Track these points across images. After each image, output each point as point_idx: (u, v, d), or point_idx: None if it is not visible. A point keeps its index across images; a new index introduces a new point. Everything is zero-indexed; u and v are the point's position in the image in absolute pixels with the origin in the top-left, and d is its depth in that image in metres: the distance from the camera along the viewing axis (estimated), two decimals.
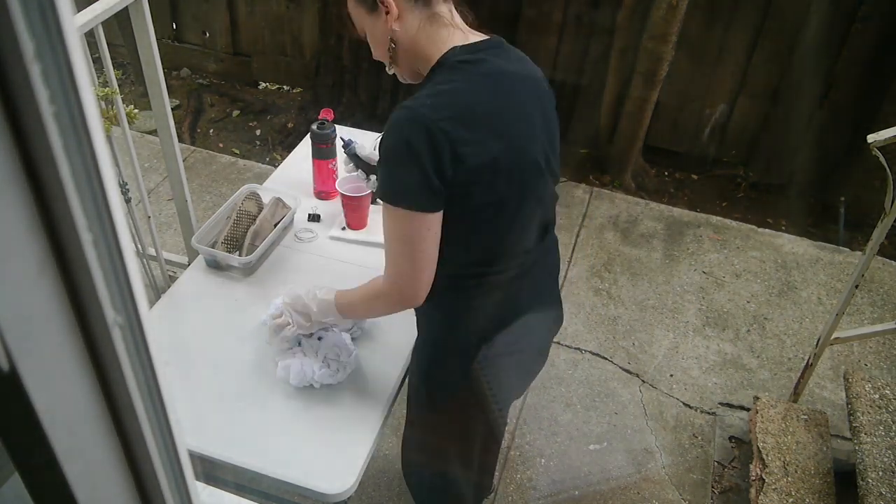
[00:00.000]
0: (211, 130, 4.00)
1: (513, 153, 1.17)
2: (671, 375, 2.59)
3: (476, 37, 1.22)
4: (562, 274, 2.95)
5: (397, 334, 1.60)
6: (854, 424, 1.97)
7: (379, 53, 1.27)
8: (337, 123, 2.36)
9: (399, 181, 1.13)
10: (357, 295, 1.36)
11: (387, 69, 1.28)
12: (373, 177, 1.62)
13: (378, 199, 1.20)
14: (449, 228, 1.18)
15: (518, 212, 1.23)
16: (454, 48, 1.18)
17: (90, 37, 1.73)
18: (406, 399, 1.58)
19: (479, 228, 1.21)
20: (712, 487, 2.25)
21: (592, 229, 3.22)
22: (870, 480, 1.81)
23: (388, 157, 1.13)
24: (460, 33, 1.21)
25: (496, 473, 2.16)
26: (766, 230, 3.31)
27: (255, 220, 1.76)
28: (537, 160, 1.23)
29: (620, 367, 2.60)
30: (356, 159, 1.66)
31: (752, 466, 2.09)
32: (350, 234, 1.84)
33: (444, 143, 1.08)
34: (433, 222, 1.15)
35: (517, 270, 1.30)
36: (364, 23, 1.23)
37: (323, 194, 1.95)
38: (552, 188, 1.32)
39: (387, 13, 1.18)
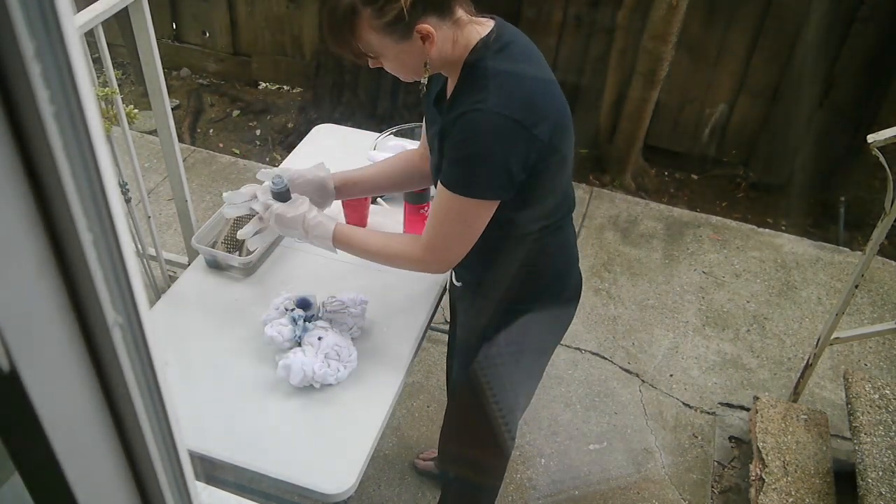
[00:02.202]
0: (211, 130, 4.00)
1: (563, 111, 1.25)
2: (671, 375, 2.59)
3: (486, 24, 1.26)
4: None
5: (397, 334, 1.60)
6: (854, 424, 1.97)
7: (409, 75, 1.28)
8: (337, 123, 2.37)
9: (481, 177, 1.19)
10: (375, 240, 1.38)
11: (421, 87, 1.31)
12: (274, 204, 1.46)
13: (445, 185, 1.23)
14: (527, 193, 1.24)
15: (570, 161, 1.33)
16: (480, 42, 1.22)
17: (90, 37, 1.73)
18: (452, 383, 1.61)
19: (553, 187, 1.30)
20: (712, 487, 2.25)
21: (592, 229, 3.22)
22: (870, 480, 1.81)
23: (472, 157, 1.18)
24: (477, 25, 1.24)
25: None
26: (766, 230, 3.31)
27: None
28: (569, 114, 1.30)
29: (620, 367, 2.60)
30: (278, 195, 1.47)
31: (751, 466, 2.09)
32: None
33: (524, 134, 1.15)
34: (493, 208, 1.23)
35: (569, 229, 1.44)
36: (389, 52, 1.22)
37: None
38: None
39: (423, 40, 1.18)
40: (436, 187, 1.34)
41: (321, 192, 1.54)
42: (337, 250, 1.41)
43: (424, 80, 1.27)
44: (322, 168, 1.56)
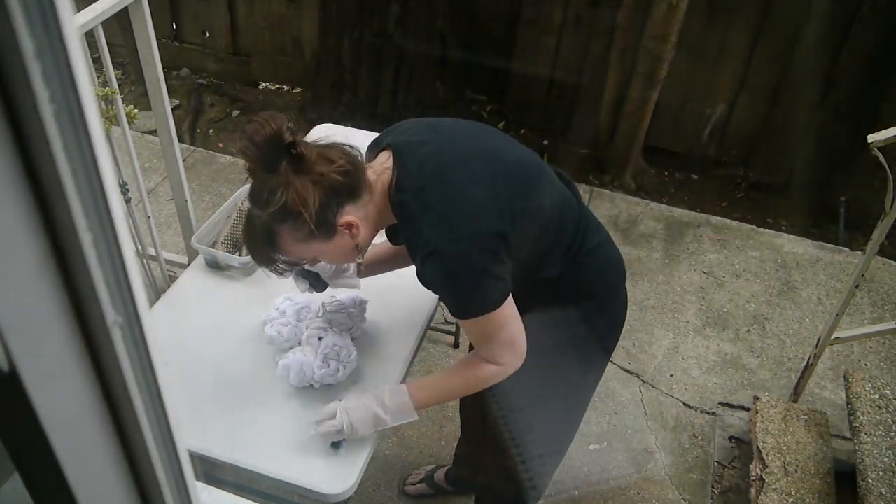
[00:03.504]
0: (211, 130, 4.00)
1: (507, 184, 1.21)
2: (671, 375, 2.59)
3: (382, 160, 1.25)
4: None
5: (397, 334, 1.60)
6: (854, 424, 1.97)
7: (346, 260, 1.29)
8: (337, 123, 2.37)
9: (481, 295, 1.18)
10: (450, 381, 1.35)
11: (360, 265, 1.32)
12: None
13: (461, 318, 1.24)
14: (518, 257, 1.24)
15: (557, 223, 1.31)
16: (388, 187, 1.21)
17: (90, 37, 1.73)
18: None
19: (539, 242, 1.28)
20: (712, 487, 2.25)
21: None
22: (870, 480, 1.81)
23: (458, 287, 1.19)
24: (381, 175, 1.23)
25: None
26: (766, 230, 3.31)
27: None
28: (527, 171, 1.27)
29: (620, 367, 2.60)
30: (301, 270, 1.46)
31: (752, 466, 2.09)
32: None
33: (488, 238, 1.15)
34: (511, 304, 1.22)
35: (597, 243, 1.39)
36: (321, 251, 1.22)
37: None
38: (550, 176, 1.35)
39: (350, 230, 1.18)
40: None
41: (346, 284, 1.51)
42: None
43: (361, 259, 1.27)
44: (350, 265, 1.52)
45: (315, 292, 1.48)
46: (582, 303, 1.41)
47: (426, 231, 1.15)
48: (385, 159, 1.24)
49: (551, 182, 1.32)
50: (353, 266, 1.47)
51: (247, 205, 1.77)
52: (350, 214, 1.17)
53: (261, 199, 1.14)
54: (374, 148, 1.31)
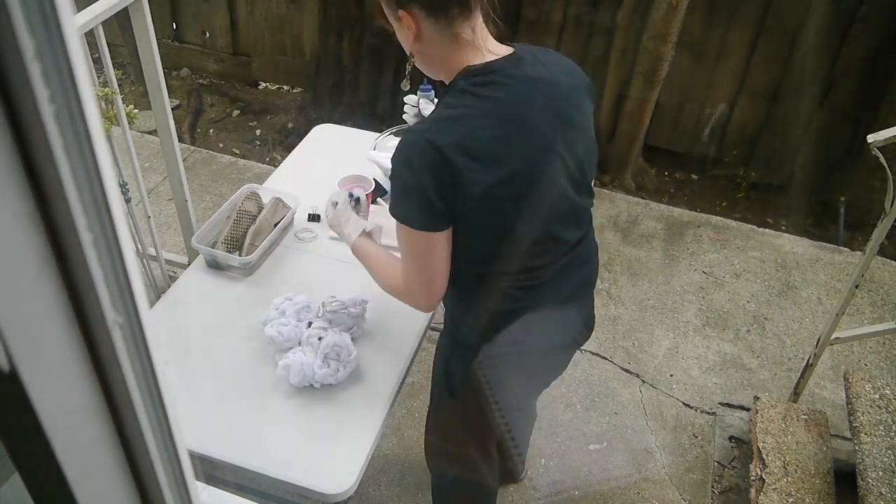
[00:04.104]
0: (211, 130, 4.00)
1: (520, 177, 1.17)
2: (671, 375, 2.59)
3: (495, 53, 1.20)
4: None
5: (397, 334, 1.60)
6: (854, 424, 1.97)
7: (406, 47, 1.27)
8: (337, 123, 2.37)
9: (406, 201, 1.17)
10: (380, 262, 1.39)
11: (403, 76, 1.31)
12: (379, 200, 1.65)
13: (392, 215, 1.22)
14: (456, 240, 1.22)
15: (528, 233, 1.23)
16: (467, 68, 1.18)
17: (90, 37, 1.73)
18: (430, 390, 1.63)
19: (484, 246, 1.24)
20: (712, 487, 2.25)
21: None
22: (870, 480, 1.81)
23: (396, 178, 1.19)
24: (479, 52, 1.18)
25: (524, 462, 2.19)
26: (766, 230, 3.31)
27: (255, 220, 1.76)
28: (554, 178, 1.22)
29: (620, 367, 2.60)
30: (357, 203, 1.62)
31: (752, 466, 2.09)
32: None
33: (445, 169, 1.12)
34: (439, 239, 1.19)
35: (529, 282, 1.30)
36: (393, 25, 1.24)
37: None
38: (581, 200, 1.30)
39: (408, 27, 1.17)
40: None
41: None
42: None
43: (409, 67, 1.26)
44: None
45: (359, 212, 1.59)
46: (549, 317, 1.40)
47: (427, 119, 1.18)
48: (500, 52, 1.21)
49: (566, 200, 1.28)
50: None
51: (247, 205, 1.77)
52: (413, 18, 1.16)
53: None
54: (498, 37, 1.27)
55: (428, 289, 1.25)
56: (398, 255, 1.31)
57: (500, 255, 1.25)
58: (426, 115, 1.55)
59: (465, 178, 1.12)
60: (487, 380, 1.41)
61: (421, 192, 1.13)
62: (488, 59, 1.18)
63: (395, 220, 1.21)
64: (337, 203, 1.55)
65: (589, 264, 1.43)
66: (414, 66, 1.26)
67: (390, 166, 1.20)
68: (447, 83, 1.22)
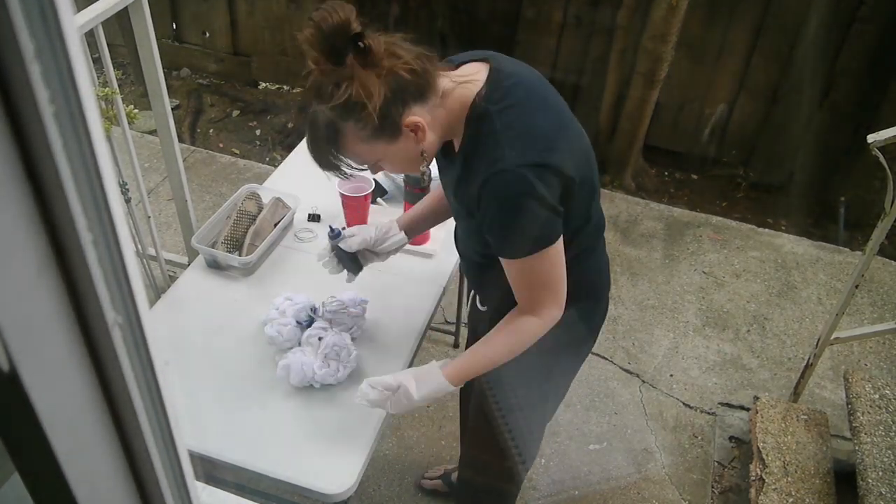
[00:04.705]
0: (211, 130, 4.00)
1: (580, 140, 1.23)
2: (671, 375, 2.59)
3: (473, 71, 1.20)
4: None
5: (397, 334, 1.60)
6: (854, 424, 1.97)
7: (407, 169, 1.25)
8: None
9: (534, 233, 1.16)
10: (493, 350, 1.32)
11: (422, 177, 1.26)
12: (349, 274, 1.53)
13: (511, 258, 1.21)
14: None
15: (598, 187, 1.31)
16: (477, 98, 1.17)
17: (90, 37, 1.73)
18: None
19: (583, 215, 1.28)
20: (712, 487, 2.25)
21: None
22: (870, 480, 1.81)
23: (515, 217, 1.15)
24: (465, 83, 1.18)
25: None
26: (766, 230, 3.31)
27: (255, 220, 1.76)
28: (587, 138, 1.28)
29: (620, 367, 2.60)
30: (339, 252, 1.51)
31: (752, 466, 2.09)
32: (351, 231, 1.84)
33: (554, 176, 1.13)
34: (560, 243, 1.21)
35: (601, 239, 1.42)
36: (384, 155, 1.19)
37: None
38: None
39: (414, 132, 1.15)
40: (461, 250, 1.39)
41: (395, 245, 1.52)
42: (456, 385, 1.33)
43: (425, 168, 1.23)
44: (388, 224, 1.52)
45: (349, 276, 1.52)
46: (580, 303, 1.41)
47: (504, 148, 1.12)
48: (476, 70, 1.20)
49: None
50: (395, 227, 1.50)
51: (247, 205, 1.77)
52: (416, 115, 1.13)
53: (325, 93, 1.09)
54: (455, 61, 1.26)
55: (561, 296, 1.25)
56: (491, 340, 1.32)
57: (592, 227, 1.33)
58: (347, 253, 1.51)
59: (567, 172, 1.14)
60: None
61: (547, 209, 1.14)
62: (477, 82, 1.18)
63: (506, 259, 1.20)
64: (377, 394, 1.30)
65: None
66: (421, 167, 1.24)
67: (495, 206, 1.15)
68: (463, 132, 1.20)
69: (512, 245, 1.19)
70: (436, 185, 1.51)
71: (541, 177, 1.11)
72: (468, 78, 1.19)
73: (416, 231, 1.55)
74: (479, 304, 1.53)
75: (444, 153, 1.30)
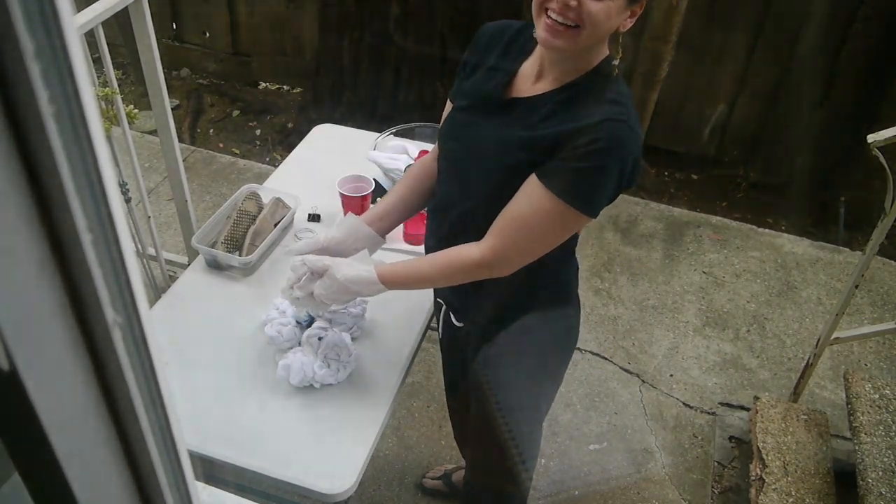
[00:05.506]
0: (211, 130, 4.00)
1: None
2: (671, 375, 2.59)
3: None
4: None
5: (397, 334, 1.60)
6: (854, 424, 1.97)
7: (594, 38, 1.14)
8: (337, 123, 2.37)
9: (602, 193, 1.15)
10: (428, 264, 1.29)
11: (617, 54, 1.22)
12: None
13: (559, 195, 1.14)
14: None
15: None
16: (609, 58, 1.20)
17: (90, 37, 1.73)
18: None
19: None
20: (712, 487, 2.25)
21: (592, 229, 3.22)
22: (870, 480, 1.81)
23: (604, 168, 1.12)
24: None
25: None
26: (766, 230, 3.31)
27: (255, 220, 1.76)
28: None
29: (620, 367, 2.60)
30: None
31: (752, 466, 2.09)
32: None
33: (638, 162, 1.14)
34: (584, 224, 1.20)
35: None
36: (610, 10, 1.11)
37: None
38: None
39: (633, 15, 1.14)
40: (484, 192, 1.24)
41: (364, 242, 1.44)
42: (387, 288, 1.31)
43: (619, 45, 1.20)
44: (351, 221, 1.46)
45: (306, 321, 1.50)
46: (569, 303, 1.43)
47: (627, 107, 1.13)
48: None
49: None
50: (360, 234, 1.44)
51: (247, 205, 1.77)
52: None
53: None
54: None
55: (531, 258, 1.22)
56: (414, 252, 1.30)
57: None
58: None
59: (639, 168, 1.17)
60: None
61: (617, 184, 1.13)
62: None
63: (549, 196, 1.14)
64: (306, 269, 1.33)
65: None
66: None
67: (590, 152, 1.11)
68: (590, 68, 1.19)
69: (576, 185, 1.13)
70: (401, 174, 1.47)
71: (635, 158, 1.13)
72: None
73: (386, 227, 1.47)
74: (454, 320, 1.49)
75: (502, 86, 1.24)
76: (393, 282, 1.30)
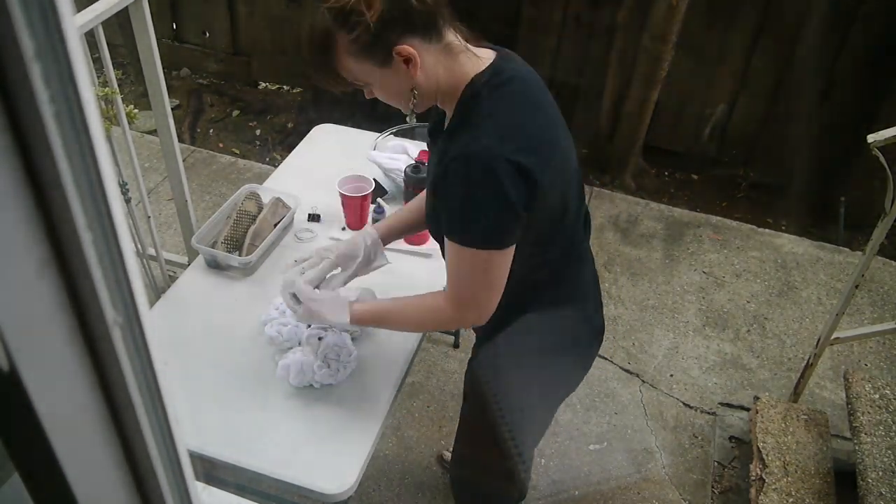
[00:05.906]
0: (211, 130, 4.00)
1: (560, 156, 1.20)
2: (671, 375, 2.59)
3: (484, 53, 1.20)
4: None
5: (397, 334, 1.59)
6: (854, 424, 1.97)
7: (396, 102, 1.22)
8: (337, 123, 2.36)
9: (487, 224, 1.13)
10: (396, 310, 1.33)
11: (407, 118, 1.25)
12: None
13: (457, 242, 1.17)
14: (526, 236, 1.20)
15: (574, 209, 1.29)
16: (477, 76, 1.16)
17: (90, 37, 1.73)
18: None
19: (551, 233, 1.26)
20: (712, 487, 2.25)
21: (592, 229, 3.22)
22: (870, 480, 1.81)
23: (473, 200, 1.12)
24: (473, 56, 1.18)
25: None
26: (766, 230, 3.31)
27: (255, 220, 1.76)
28: (573, 154, 1.27)
29: (620, 367, 2.60)
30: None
31: (752, 466, 2.09)
32: (350, 234, 1.84)
33: (522, 176, 1.10)
34: (513, 250, 1.18)
35: (577, 255, 1.38)
36: (374, 78, 1.17)
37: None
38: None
39: (406, 63, 1.13)
40: (431, 233, 1.31)
41: (368, 252, 1.48)
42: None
43: (412, 109, 1.21)
44: (366, 235, 1.49)
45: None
46: (578, 304, 1.41)
47: (483, 132, 1.10)
48: (488, 55, 1.19)
49: (580, 178, 1.33)
50: (381, 255, 1.49)
51: (247, 205, 1.77)
52: (413, 48, 1.11)
53: None
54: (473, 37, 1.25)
55: (493, 302, 1.22)
56: (405, 295, 1.32)
57: (561, 235, 1.29)
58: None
59: (537, 178, 1.11)
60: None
61: (509, 209, 1.11)
62: (485, 60, 1.18)
63: (454, 244, 1.17)
64: (293, 293, 1.38)
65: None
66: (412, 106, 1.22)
67: (443, 183, 1.14)
68: (456, 101, 1.18)
69: (462, 229, 1.15)
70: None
71: (509, 174, 1.09)
72: (478, 53, 1.18)
73: (387, 240, 1.52)
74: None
75: (432, 133, 1.30)
76: (365, 323, 1.37)
